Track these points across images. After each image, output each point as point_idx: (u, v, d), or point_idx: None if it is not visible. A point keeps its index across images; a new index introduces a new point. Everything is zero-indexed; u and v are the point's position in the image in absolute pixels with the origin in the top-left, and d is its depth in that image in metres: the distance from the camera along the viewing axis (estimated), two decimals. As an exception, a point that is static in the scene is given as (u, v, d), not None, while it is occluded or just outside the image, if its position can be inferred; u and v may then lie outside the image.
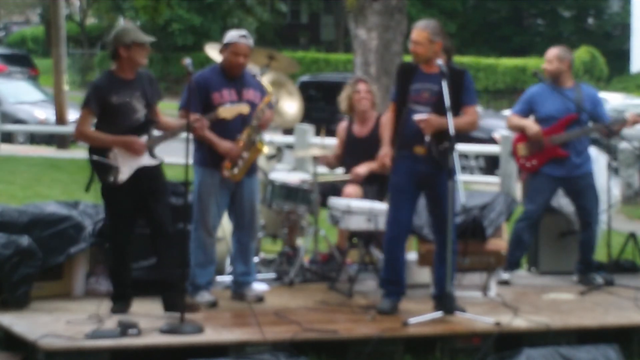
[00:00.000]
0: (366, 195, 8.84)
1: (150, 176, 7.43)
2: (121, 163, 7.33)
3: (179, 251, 7.35)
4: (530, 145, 8.95)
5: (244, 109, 7.82)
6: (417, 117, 7.54)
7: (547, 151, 8.89)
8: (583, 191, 8.99)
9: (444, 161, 7.42)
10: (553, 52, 9.00)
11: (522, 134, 9.01)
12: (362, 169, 8.96)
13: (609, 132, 8.95)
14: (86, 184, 7.50)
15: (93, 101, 7.38)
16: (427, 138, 7.53)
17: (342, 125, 9.39)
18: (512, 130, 9.25)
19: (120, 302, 7.45)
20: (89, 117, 7.43)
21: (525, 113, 9.00)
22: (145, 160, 7.41)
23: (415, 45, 7.66)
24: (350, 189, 8.93)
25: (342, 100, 9.29)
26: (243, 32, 8.02)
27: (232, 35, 7.96)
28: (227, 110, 7.76)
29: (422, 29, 7.64)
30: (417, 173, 7.66)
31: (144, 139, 7.39)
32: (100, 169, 7.35)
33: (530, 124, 8.92)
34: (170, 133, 7.63)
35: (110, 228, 7.51)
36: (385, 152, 7.77)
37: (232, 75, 7.94)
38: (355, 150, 9.14)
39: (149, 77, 7.57)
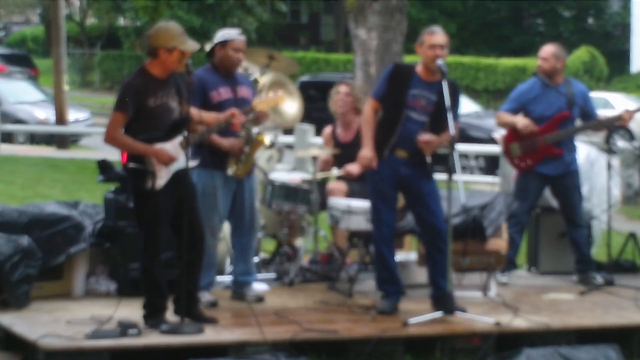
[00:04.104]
0: (352, 192, 8.85)
1: (185, 179, 7.03)
2: (158, 167, 6.94)
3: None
4: (523, 144, 8.96)
5: (281, 99, 7.85)
6: (422, 138, 7.55)
7: (541, 150, 8.92)
8: (571, 189, 9.03)
9: (431, 166, 7.57)
10: (549, 49, 9.00)
11: (511, 131, 9.02)
12: (355, 168, 8.89)
13: (607, 128, 9.01)
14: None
15: (130, 105, 6.88)
16: (429, 159, 7.61)
17: (327, 130, 9.43)
18: (502, 126, 9.24)
19: (157, 315, 7.03)
20: (122, 121, 6.90)
21: (515, 111, 9.00)
22: (182, 163, 6.99)
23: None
24: (335, 184, 8.93)
25: (330, 103, 9.35)
26: (237, 30, 8.07)
27: (228, 33, 8.00)
28: (264, 102, 7.79)
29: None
30: (399, 175, 7.68)
31: (178, 139, 7.02)
32: (137, 175, 6.95)
33: (520, 119, 8.93)
34: (206, 130, 7.44)
35: (146, 236, 7.02)
36: (369, 155, 7.68)
37: (227, 73, 7.97)
38: (340, 154, 9.14)
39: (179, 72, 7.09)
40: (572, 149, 9.06)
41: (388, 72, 7.83)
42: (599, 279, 8.99)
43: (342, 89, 9.23)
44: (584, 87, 9.27)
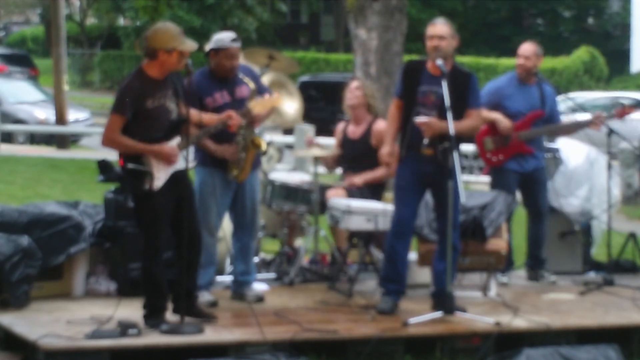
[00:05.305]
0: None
1: (183, 180, 7.03)
2: (156, 169, 6.91)
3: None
4: (496, 139, 8.97)
5: (277, 101, 7.83)
6: (419, 119, 7.55)
7: (513, 146, 8.94)
8: (540, 184, 9.09)
9: (444, 161, 7.44)
10: (531, 48, 9.00)
11: (488, 127, 9.00)
12: (358, 180, 8.91)
13: (578, 131, 9.16)
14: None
15: (127, 107, 6.86)
16: (426, 141, 7.55)
17: (340, 126, 9.40)
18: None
19: (157, 315, 7.03)
20: (120, 123, 6.87)
21: (491, 106, 8.96)
22: (180, 164, 7.00)
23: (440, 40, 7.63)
24: (334, 192, 8.89)
25: (343, 99, 9.31)
26: (231, 34, 7.93)
27: (222, 40, 7.87)
28: (260, 104, 7.75)
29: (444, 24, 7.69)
30: (423, 173, 7.68)
31: (176, 140, 7.03)
32: (135, 176, 6.94)
33: (501, 118, 8.93)
34: (203, 132, 7.45)
35: (146, 236, 7.03)
36: (389, 150, 7.76)
37: (225, 78, 7.93)
38: (347, 151, 9.14)
39: (177, 72, 7.12)
40: (541, 148, 9.13)
41: (402, 70, 7.95)
42: (548, 276, 9.03)
43: (354, 84, 9.23)
44: (552, 90, 9.27)
